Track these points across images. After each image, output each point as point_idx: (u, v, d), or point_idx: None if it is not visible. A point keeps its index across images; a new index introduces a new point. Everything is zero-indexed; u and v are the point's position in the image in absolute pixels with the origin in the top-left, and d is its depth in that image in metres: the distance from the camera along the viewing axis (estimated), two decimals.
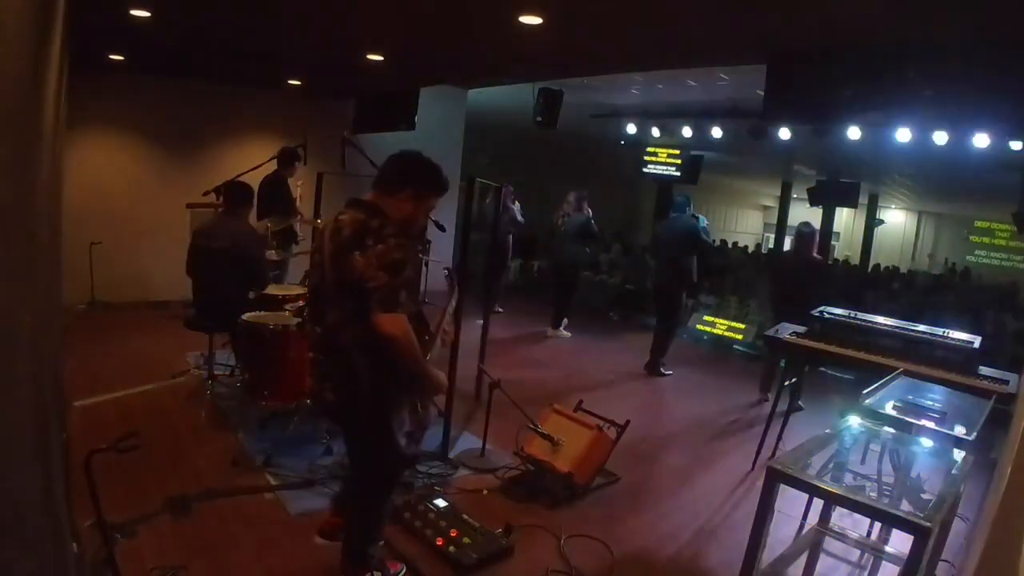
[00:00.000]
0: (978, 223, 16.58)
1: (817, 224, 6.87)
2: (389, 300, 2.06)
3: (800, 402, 5.26)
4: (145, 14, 4.20)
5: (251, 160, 5.75)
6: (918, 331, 3.68)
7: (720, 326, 7.90)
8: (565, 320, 7.50)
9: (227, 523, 2.92)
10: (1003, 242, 16.30)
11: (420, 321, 2.33)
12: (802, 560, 2.69)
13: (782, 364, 5.26)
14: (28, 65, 1.04)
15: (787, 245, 17.03)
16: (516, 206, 7.69)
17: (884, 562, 2.69)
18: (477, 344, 4.61)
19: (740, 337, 7.63)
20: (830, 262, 11.69)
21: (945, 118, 3.62)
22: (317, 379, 2.31)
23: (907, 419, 2.16)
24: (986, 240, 16.66)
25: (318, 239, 2.31)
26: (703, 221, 6.20)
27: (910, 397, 2.42)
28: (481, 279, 5.80)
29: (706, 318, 8.14)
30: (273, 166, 5.85)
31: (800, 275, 5.36)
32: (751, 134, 7.37)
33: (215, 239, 4.06)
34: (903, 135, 4.15)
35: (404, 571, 2.63)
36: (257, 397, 3.75)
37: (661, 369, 6.27)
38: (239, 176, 4.69)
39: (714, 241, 12.91)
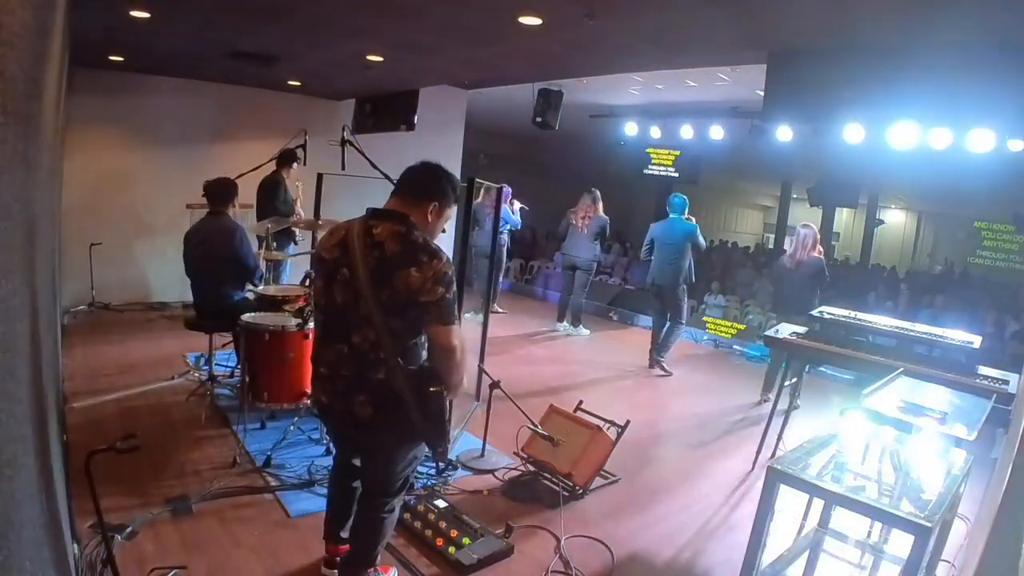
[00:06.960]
0: (978, 223, 16.57)
1: (817, 224, 6.88)
2: (448, 313, 2.07)
3: (798, 400, 5.27)
4: (145, 14, 4.21)
5: (251, 160, 5.75)
6: (918, 331, 3.68)
7: (720, 326, 7.90)
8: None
9: (227, 523, 2.92)
10: (1003, 242, 16.28)
11: None
12: (802, 560, 2.69)
13: (783, 366, 5.25)
14: (28, 65, 1.04)
15: (786, 244, 17.05)
16: (516, 207, 7.70)
17: (884, 562, 2.70)
18: (477, 343, 4.61)
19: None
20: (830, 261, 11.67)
21: (945, 118, 3.61)
22: (340, 394, 2.17)
23: (907, 419, 2.16)
24: (986, 240, 16.64)
25: (335, 250, 2.15)
26: (693, 225, 6.24)
27: (910, 397, 2.41)
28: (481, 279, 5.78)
29: (705, 319, 8.15)
30: (273, 166, 5.86)
31: (799, 276, 5.37)
32: (751, 134, 7.37)
33: (198, 242, 4.13)
34: (903, 135, 4.13)
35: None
36: (257, 398, 3.75)
37: (663, 365, 6.27)
38: (239, 176, 4.69)
39: (711, 242, 12.94)
